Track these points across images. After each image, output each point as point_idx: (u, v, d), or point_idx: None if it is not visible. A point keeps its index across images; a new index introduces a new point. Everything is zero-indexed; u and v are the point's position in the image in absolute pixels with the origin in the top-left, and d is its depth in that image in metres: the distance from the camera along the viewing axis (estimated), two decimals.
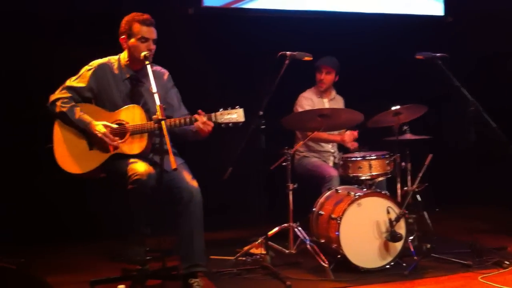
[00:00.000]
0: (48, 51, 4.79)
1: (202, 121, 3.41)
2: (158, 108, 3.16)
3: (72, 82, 3.56)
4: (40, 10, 4.82)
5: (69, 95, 3.51)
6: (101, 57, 3.63)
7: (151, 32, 3.51)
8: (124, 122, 3.47)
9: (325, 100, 4.93)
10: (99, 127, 3.43)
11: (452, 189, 5.74)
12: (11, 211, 4.82)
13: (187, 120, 3.45)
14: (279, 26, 5.50)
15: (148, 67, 3.37)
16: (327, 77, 4.85)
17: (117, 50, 3.64)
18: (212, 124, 3.43)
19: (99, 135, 3.41)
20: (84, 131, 3.46)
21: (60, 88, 3.55)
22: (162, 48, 3.66)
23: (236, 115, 3.45)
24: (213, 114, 3.45)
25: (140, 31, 3.48)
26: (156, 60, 3.57)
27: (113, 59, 3.62)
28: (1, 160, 4.82)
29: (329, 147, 4.90)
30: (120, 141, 3.45)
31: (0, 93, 4.80)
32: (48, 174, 3.65)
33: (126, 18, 3.54)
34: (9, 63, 4.77)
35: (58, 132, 3.50)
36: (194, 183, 3.48)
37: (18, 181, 4.86)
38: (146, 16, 3.52)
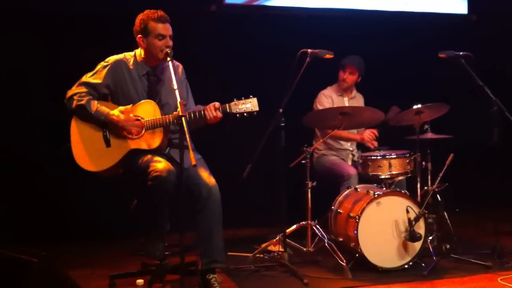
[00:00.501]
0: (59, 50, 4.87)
1: (212, 115, 3.43)
2: (179, 104, 3.18)
3: (88, 78, 3.56)
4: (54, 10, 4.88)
5: (86, 90, 3.52)
6: (117, 54, 3.65)
7: (167, 29, 3.50)
8: (140, 118, 3.49)
9: (345, 99, 4.91)
10: (117, 113, 3.44)
11: (475, 190, 5.68)
12: (35, 206, 4.90)
13: (201, 113, 3.46)
14: (301, 23, 5.49)
15: (170, 64, 3.38)
16: (350, 77, 4.83)
17: (132, 47, 3.66)
18: (220, 116, 3.45)
19: (120, 122, 3.42)
20: (102, 125, 3.48)
21: (77, 84, 3.56)
22: (184, 44, 3.67)
23: (250, 104, 3.46)
24: (227, 105, 3.47)
25: (156, 29, 3.48)
26: (177, 56, 3.59)
27: (128, 55, 3.63)
28: (19, 156, 4.90)
29: (348, 145, 4.88)
30: (136, 136, 3.48)
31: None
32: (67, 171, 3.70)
33: (140, 17, 3.52)
34: (12, 61, 4.82)
35: (75, 131, 3.53)
36: (212, 180, 3.50)
37: (38, 177, 4.93)
38: (160, 13, 3.50)
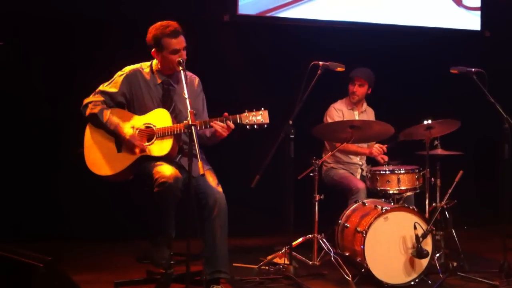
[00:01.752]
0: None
1: (221, 126, 3.44)
2: (189, 113, 3.19)
3: (105, 87, 3.63)
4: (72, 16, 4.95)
5: (102, 98, 3.59)
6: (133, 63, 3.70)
7: (181, 42, 3.52)
8: (152, 125, 3.53)
9: (356, 113, 4.90)
10: (127, 129, 3.49)
11: (486, 207, 5.64)
12: (38, 208, 4.93)
13: (211, 122, 3.47)
14: (313, 35, 5.50)
15: (182, 73, 3.40)
16: (360, 90, 4.82)
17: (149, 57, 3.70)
18: (231, 127, 3.45)
19: (126, 137, 3.47)
20: (112, 134, 3.53)
21: (94, 93, 3.63)
22: (196, 54, 3.69)
23: (260, 116, 3.47)
24: (238, 116, 3.47)
25: (170, 45, 3.49)
26: (191, 65, 3.61)
27: (144, 65, 3.68)
28: (28, 157, 4.95)
29: (357, 159, 4.87)
30: (147, 143, 3.50)
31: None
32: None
33: (153, 32, 3.53)
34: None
35: (89, 136, 3.60)
36: (219, 189, 3.52)
37: (45, 179, 4.97)
38: (171, 27, 3.50)
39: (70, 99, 3.95)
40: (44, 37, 4.89)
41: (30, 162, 4.95)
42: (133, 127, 3.51)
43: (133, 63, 3.69)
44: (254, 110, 3.48)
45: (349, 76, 4.82)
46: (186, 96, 3.26)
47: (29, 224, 4.88)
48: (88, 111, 3.55)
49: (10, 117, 4.88)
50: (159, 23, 3.54)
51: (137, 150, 3.49)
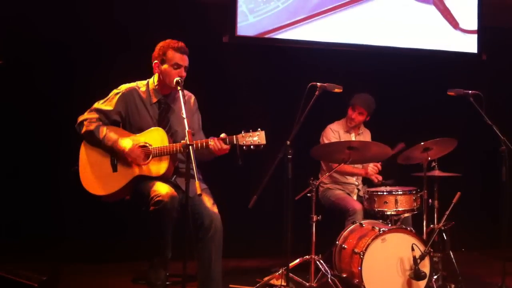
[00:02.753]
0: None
1: (218, 147, 3.44)
2: (186, 133, 3.19)
3: (100, 105, 3.63)
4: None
5: (97, 116, 3.59)
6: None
7: (184, 60, 3.58)
8: (147, 145, 3.52)
9: (353, 135, 4.92)
10: (126, 143, 3.48)
11: (482, 229, 5.62)
12: (31, 227, 4.91)
13: (208, 143, 3.48)
14: (311, 57, 5.54)
15: (180, 92, 3.42)
16: (358, 117, 4.85)
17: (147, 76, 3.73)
18: (227, 147, 3.46)
19: (126, 149, 3.46)
20: (110, 151, 3.52)
21: (88, 110, 3.63)
22: (195, 74, 3.72)
23: (257, 137, 3.48)
24: (235, 136, 3.49)
25: (173, 58, 3.55)
26: (188, 85, 3.63)
27: (141, 83, 3.70)
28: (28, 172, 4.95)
29: (353, 179, 4.87)
30: (143, 162, 3.49)
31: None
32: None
33: (161, 44, 3.61)
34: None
35: (84, 155, 3.58)
36: (215, 210, 3.51)
37: (43, 189, 4.97)
38: (181, 44, 3.59)
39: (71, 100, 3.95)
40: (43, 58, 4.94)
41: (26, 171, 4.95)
42: (133, 141, 3.50)
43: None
44: (251, 130, 3.49)
45: (351, 102, 4.84)
46: (184, 116, 3.26)
47: (25, 240, 4.85)
48: (84, 129, 3.55)
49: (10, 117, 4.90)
50: (169, 39, 3.61)
51: (134, 167, 3.48)
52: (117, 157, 3.52)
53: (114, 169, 3.53)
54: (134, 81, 3.72)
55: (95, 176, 3.53)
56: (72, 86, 4.92)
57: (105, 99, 3.65)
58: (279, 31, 5.49)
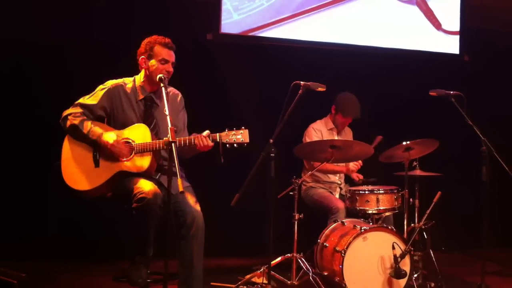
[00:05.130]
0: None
1: (203, 144, 3.44)
2: (169, 130, 3.18)
3: (85, 100, 3.62)
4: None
5: (81, 110, 3.57)
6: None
7: (171, 55, 3.58)
8: (130, 140, 3.51)
9: (335, 133, 4.94)
10: (109, 137, 3.46)
11: (463, 228, 5.68)
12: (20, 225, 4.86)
13: (191, 141, 3.47)
14: (295, 55, 5.55)
15: (163, 89, 3.40)
16: (347, 121, 4.92)
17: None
18: (211, 144, 3.46)
19: (109, 145, 3.44)
20: (93, 145, 3.50)
21: (73, 105, 3.61)
22: (179, 72, 3.70)
23: (241, 135, 3.48)
24: (218, 134, 3.48)
25: (161, 53, 3.55)
26: (173, 82, 3.62)
27: (127, 80, 3.69)
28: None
29: (335, 178, 4.89)
30: (126, 158, 3.47)
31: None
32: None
33: (148, 40, 3.61)
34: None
35: (67, 149, 3.56)
36: (198, 207, 3.51)
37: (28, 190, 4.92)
38: (168, 40, 3.60)
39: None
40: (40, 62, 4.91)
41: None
42: (117, 136, 3.48)
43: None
44: (234, 129, 3.49)
45: (341, 108, 4.83)
46: (167, 113, 3.25)
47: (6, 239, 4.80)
48: (68, 123, 3.53)
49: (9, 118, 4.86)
50: (156, 35, 3.60)
51: (117, 162, 3.45)
52: (100, 152, 3.50)
53: (96, 164, 3.51)
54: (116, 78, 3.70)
55: (76, 171, 3.50)
56: (68, 88, 4.85)
57: (90, 94, 3.63)
58: (263, 29, 5.49)
